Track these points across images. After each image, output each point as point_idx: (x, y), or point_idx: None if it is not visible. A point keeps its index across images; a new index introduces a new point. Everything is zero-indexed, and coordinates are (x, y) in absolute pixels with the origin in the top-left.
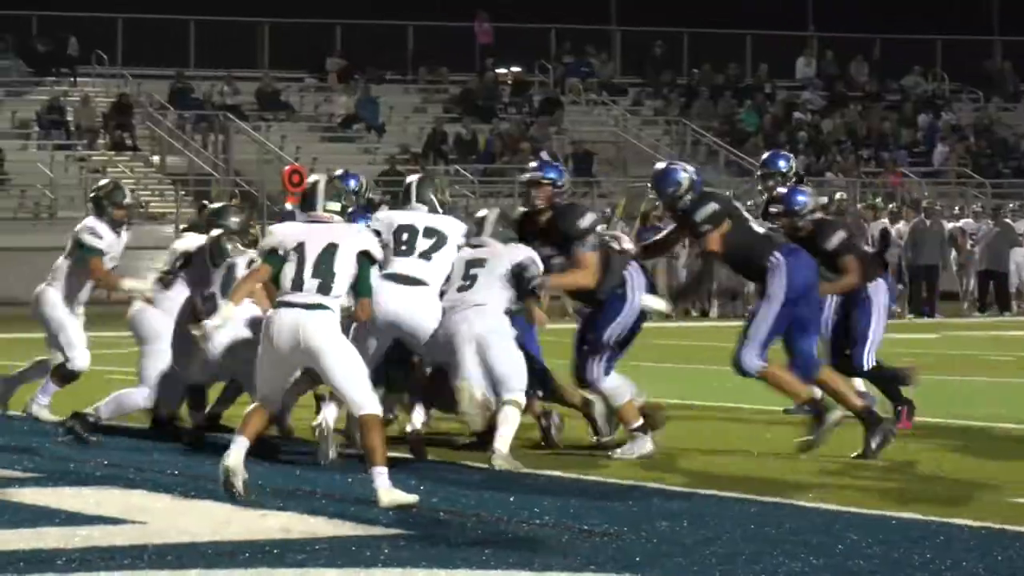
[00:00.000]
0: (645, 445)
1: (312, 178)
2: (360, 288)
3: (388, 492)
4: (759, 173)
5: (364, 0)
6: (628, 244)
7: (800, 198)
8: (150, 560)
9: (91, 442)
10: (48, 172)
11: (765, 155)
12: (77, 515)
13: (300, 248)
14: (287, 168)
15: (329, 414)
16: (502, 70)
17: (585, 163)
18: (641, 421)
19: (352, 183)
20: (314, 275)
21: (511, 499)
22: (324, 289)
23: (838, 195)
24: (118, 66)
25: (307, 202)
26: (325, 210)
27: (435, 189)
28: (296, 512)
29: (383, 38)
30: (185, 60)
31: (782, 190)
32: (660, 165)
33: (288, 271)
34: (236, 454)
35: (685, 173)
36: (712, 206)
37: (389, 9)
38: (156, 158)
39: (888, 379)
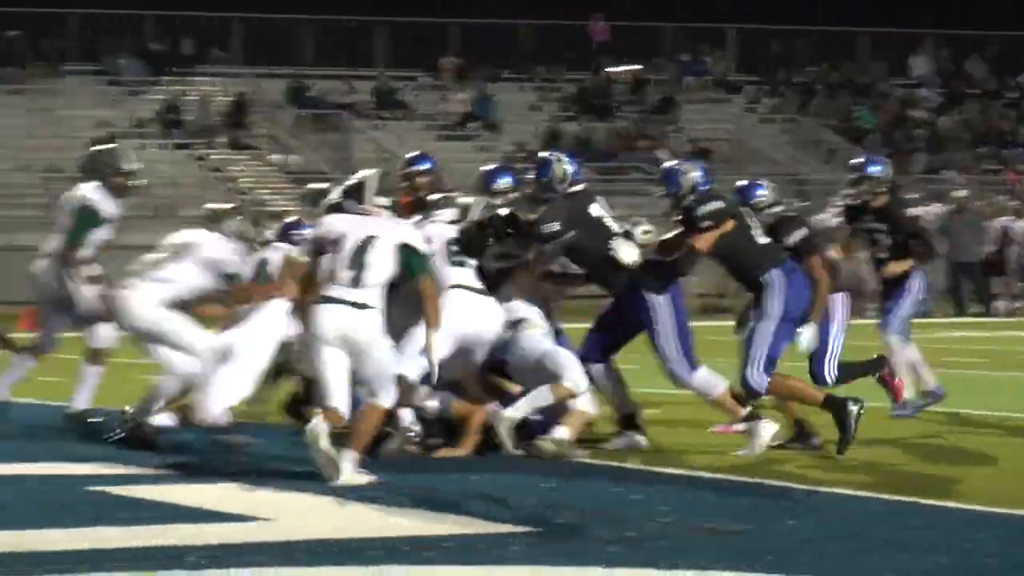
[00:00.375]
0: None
1: (362, 173)
2: (413, 270)
3: (350, 474)
4: (852, 177)
5: None
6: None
7: (758, 192)
8: (278, 557)
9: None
10: (167, 171)
11: (856, 160)
12: (205, 512)
13: (340, 241)
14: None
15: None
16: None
17: (702, 161)
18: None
19: (507, 179)
20: (350, 267)
21: (635, 497)
22: (357, 282)
23: (960, 193)
24: (236, 65)
25: (356, 195)
26: (374, 205)
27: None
28: (423, 509)
29: (499, 36)
30: (303, 59)
31: (742, 182)
32: (666, 165)
33: (327, 263)
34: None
35: (690, 174)
36: (716, 204)
37: (505, 8)
38: (274, 156)
39: (858, 373)
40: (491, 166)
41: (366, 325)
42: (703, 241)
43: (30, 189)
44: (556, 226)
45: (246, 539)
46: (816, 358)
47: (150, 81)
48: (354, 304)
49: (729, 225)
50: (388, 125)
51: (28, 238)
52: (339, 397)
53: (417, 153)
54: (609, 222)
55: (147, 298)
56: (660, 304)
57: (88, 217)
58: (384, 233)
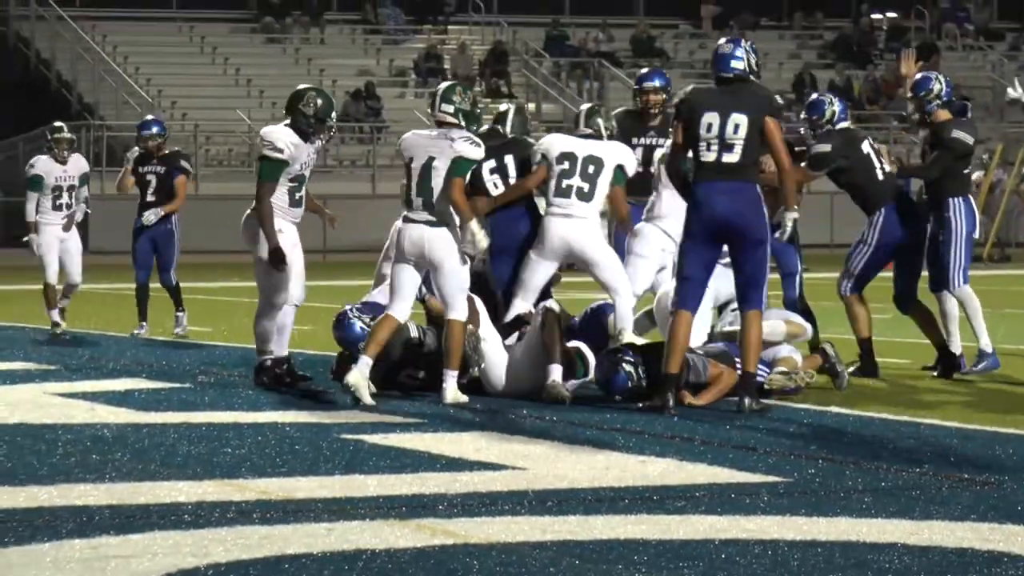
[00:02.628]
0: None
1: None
2: (456, 172)
3: (452, 392)
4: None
5: None
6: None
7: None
8: (530, 506)
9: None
10: (425, 120)
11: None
12: (458, 460)
13: (410, 164)
14: None
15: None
16: (877, 15)
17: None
18: None
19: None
20: (418, 193)
21: (888, 447)
22: (428, 207)
23: None
24: (494, 14)
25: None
26: (439, 111)
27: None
28: (674, 459)
29: None
30: (560, 7)
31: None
32: (815, 95)
33: (405, 186)
34: (360, 371)
35: (831, 106)
36: (824, 148)
37: None
38: (532, 105)
39: None
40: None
41: (443, 245)
42: (800, 172)
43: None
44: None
45: (498, 488)
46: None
47: (411, 30)
48: (429, 223)
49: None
50: None
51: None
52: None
53: (648, 70)
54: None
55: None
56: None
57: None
58: (441, 154)
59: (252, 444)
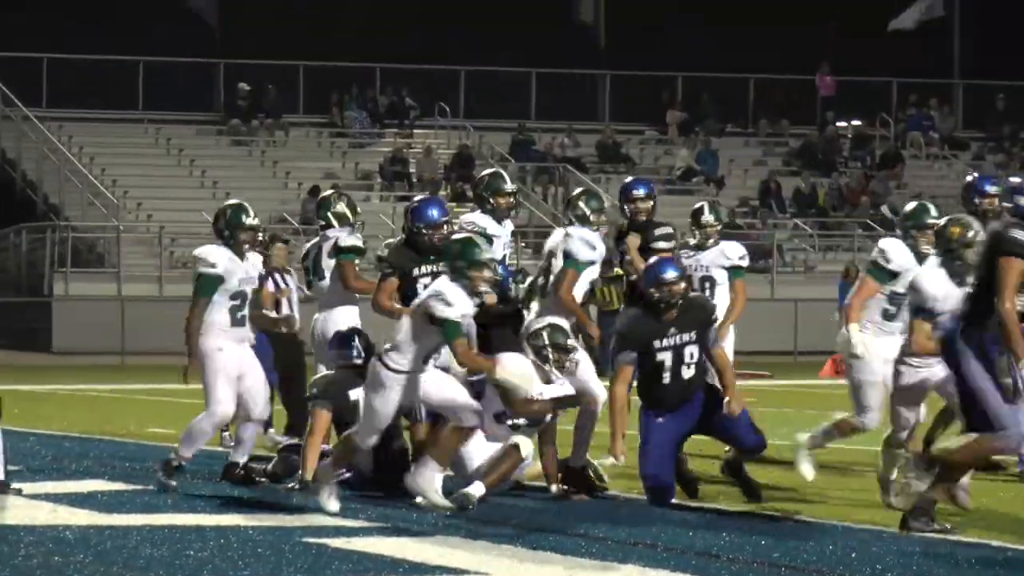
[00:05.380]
0: None
1: None
2: None
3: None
4: None
5: (703, 53)
6: None
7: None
8: None
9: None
10: (390, 223)
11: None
12: (420, 565)
13: None
14: None
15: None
16: (842, 124)
17: None
18: None
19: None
20: None
21: (850, 555)
22: None
23: None
24: (460, 118)
25: None
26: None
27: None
28: (636, 564)
29: (724, 91)
30: (526, 112)
31: None
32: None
33: None
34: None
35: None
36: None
37: (730, 62)
38: None
39: None
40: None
41: None
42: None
43: None
44: None
45: None
46: None
47: (376, 133)
48: None
49: None
50: (611, 179)
51: None
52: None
53: (633, 179)
54: None
55: None
56: None
57: None
58: None
59: (215, 547)
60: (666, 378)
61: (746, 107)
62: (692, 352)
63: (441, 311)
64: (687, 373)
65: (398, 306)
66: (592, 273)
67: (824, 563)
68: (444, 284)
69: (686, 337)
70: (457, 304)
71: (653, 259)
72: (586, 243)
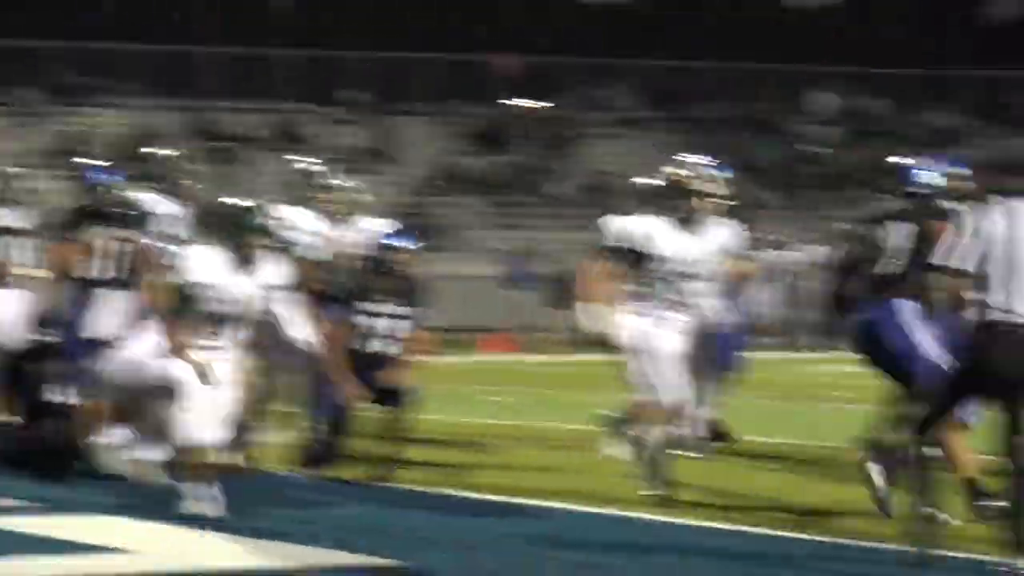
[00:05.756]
0: None
1: None
2: None
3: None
4: None
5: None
6: None
7: None
8: None
9: None
10: (62, 200)
11: None
12: (74, 544)
13: None
14: None
15: None
16: (519, 102)
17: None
18: None
19: None
20: None
21: None
22: None
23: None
24: (134, 96)
25: None
26: None
27: None
28: None
29: (401, 71)
30: (202, 91)
31: None
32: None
33: None
34: None
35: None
36: None
37: (407, 41)
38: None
39: None
40: None
41: None
42: None
43: None
44: None
45: (105, 571)
46: None
47: (48, 112)
48: None
49: None
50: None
51: None
52: None
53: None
54: None
55: None
56: None
57: None
58: None
59: None
60: None
61: (423, 87)
62: None
63: None
64: None
65: None
66: None
67: None
68: None
69: None
70: None
71: None
72: None
